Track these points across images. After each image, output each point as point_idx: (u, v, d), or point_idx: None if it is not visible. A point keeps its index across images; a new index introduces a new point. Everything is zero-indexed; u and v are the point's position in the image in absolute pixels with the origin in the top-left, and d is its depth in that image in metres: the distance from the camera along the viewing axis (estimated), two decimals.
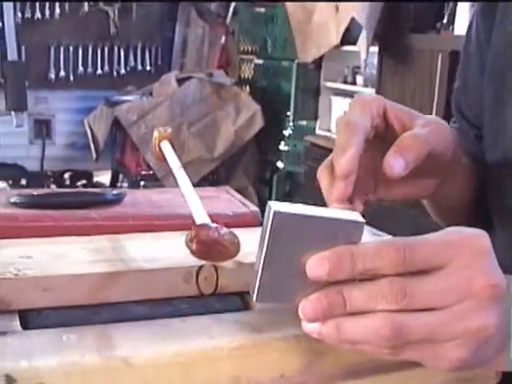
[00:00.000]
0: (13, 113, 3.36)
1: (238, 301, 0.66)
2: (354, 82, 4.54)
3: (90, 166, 5.68)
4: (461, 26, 3.31)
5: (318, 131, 4.71)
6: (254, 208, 1.10)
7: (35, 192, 1.11)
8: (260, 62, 5.43)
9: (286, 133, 5.00)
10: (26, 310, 0.61)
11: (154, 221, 0.98)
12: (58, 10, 5.64)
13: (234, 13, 5.72)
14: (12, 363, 0.50)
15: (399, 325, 0.53)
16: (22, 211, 0.98)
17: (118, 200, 1.12)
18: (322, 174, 0.68)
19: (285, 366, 0.58)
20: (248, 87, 5.50)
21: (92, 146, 5.29)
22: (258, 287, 0.56)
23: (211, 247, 0.66)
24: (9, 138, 4.86)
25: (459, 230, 0.56)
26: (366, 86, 4.38)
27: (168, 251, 0.72)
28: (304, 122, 4.90)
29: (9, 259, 0.66)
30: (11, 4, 3.43)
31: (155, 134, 0.88)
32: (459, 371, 0.57)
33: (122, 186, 5.40)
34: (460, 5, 3.31)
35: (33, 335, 0.56)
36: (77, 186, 5.68)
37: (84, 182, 5.81)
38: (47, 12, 5.63)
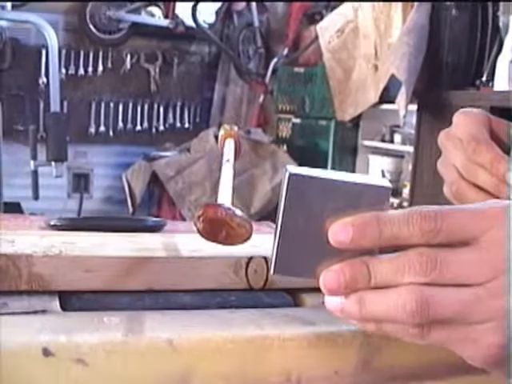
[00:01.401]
0: (53, 164, 3.40)
1: (288, 298, 0.63)
2: (391, 141, 4.53)
3: None
4: (500, 82, 3.29)
5: None
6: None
7: (74, 216, 1.10)
8: (298, 120, 5.45)
9: None
10: (66, 292, 0.58)
11: None
12: (100, 67, 5.76)
13: (273, 72, 5.78)
14: (50, 337, 0.47)
15: (427, 299, 0.48)
16: (62, 234, 0.97)
17: (157, 227, 1.11)
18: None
19: (339, 362, 0.54)
20: (285, 146, 5.51)
21: (129, 200, 5.32)
22: (276, 257, 0.53)
23: (218, 227, 0.61)
24: (48, 190, 4.90)
25: (498, 202, 0.52)
26: (404, 144, 4.36)
27: (216, 247, 0.69)
28: None
29: (52, 243, 0.64)
30: (56, 60, 3.51)
31: (221, 131, 0.86)
32: (494, 364, 0.50)
33: None
34: (499, 60, 3.30)
35: (73, 315, 0.54)
36: None
37: None
38: (90, 69, 5.75)
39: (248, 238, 0.61)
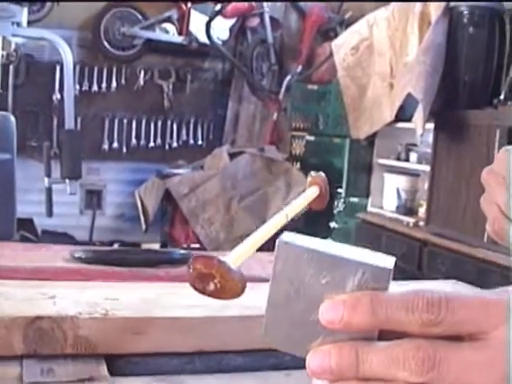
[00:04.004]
0: (67, 181, 3.38)
1: None
2: (407, 159, 4.49)
3: (137, 238, 5.68)
4: None
5: (369, 208, 4.64)
6: None
7: (99, 248, 1.07)
8: (312, 138, 5.42)
9: (338, 209, 4.94)
10: (113, 356, 0.54)
11: None
12: (114, 84, 5.76)
13: (287, 89, 5.76)
14: None
15: None
16: (87, 266, 0.94)
17: (184, 259, 1.08)
18: None
19: None
20: (299, 163, 5.48)
21: (142, 217, 5.30)
22: (265, 327, 0.49)
23: (204, 279, 0.57)
24: (61, 206, 4.90)
25: None
26: (420, 163, 4.32)
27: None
28: (356, 199, 4.84)
29: (94, 299, 0.60)
30: (71, 76, 3.50)
31: (308, 177, 0.81)
32: None
33: None
34: None
35: (123, 382, 0.50)
36: None
37: None
38: (104, 85, 5.75)
39: (239, 293, 0.55)
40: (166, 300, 0.64)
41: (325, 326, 0.47)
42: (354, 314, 0.45)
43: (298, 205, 0.70)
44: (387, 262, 0.48)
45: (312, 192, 0.76)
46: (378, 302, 0.45)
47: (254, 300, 0.62)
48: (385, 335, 0.46)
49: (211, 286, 0.55)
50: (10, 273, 0.93)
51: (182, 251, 1.13)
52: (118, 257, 1.03)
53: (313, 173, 0.79)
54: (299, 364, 0.54)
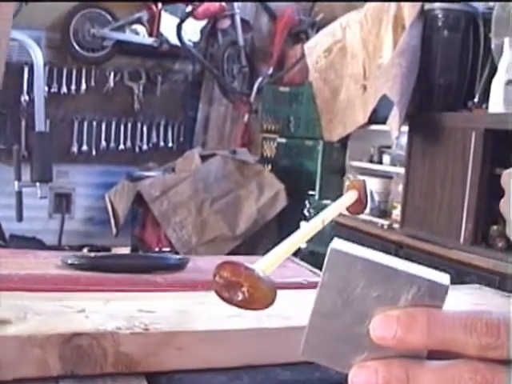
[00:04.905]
0: (38, 184, 3.32)
1: None
2: (380, 162, 4.49)
3: (108, 242, 5.61)
4: (495, 105, 3.26)
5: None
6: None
7: (92, 254, 1.04)
8: (283, 140, 5.40)
9: (310, 212, 4.92)
10: (155, 373, 0.51)
11: None
12: (83, 85, 5.69)
13: (258, 91, 5.74)
14: None
15: None
16: (81, 273, 0.91)
17: (181, 265, 1.05)
18: None
19: None
20: (270, 166, 5.46)
21: (112, 221, 5.23)
22: (306, 338, 0.47)
23: (231, 288, 0.54)
24: (29, 210, 4.83)
25: None
26: (393, 165, 4.32)
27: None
28: (328, 202, 4.83)
29: (129, 313, 0.56)
30: (42, 78, 3.44)
31: (347, 181, 0.79)
32: None
33: None
34: (494, 83, 3.27)
35: None
36: None
37: None
38: (73, 87, 5.67)
39: (269, 303, 0.52)
40: (201, 311, 0.61)
41: (371, 342, 0.44)
42: (408, 331, 0.43)
43: (335, 209, 0.68)
44: (443, 278, 0.45)
45: (350, 196, 0.73)
46: (434, 321, 0.43)
47: (293, 309, 0.59)
48: (433, 354, 0.44)
49: (239, 296, 0.52)
50: (6, 281, 0.89)
51: (178, 256, 1.10)
52: (113, 263, 1.00)
53: (351, 177, 0.77)
54: (344, 379, 0.51)
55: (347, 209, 0.74)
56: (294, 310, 0.57)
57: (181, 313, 0.59)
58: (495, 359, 0.42)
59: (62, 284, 0.87)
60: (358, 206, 0.75)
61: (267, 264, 0.54)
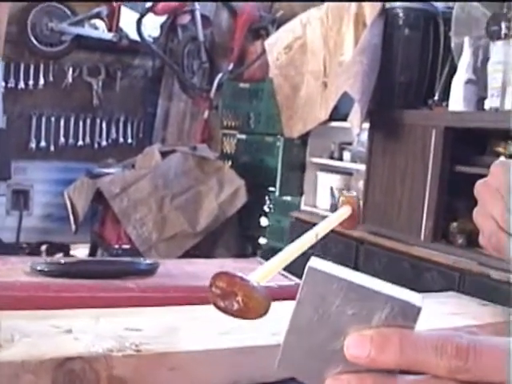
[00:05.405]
0: None
1: None
2: (340, 158, 4.52)
3: (66, 239, 5.56)
4: (455, 103, 3.30)
5: (303, 207, 4.66)
6: (298, 280, 1.01)
7: (62, 260, 1.03)
8: (243, 136, 5.40)
9: (270, 208, 4.94)
10: None
11: (197, 293, 0.90)
12: (41, 81, 5.61)
13: (218, 87, 5.73)
14: None
15: None
16: (51, 280, 0.90)
17: (152, 270, 1.05)
18: None
19: None
20: (230, 162, 5.45)
21: (71, 218, 5.17)
22: (281, 353, 0.48)
23: (227, 298, 0.55)
24: None
25: None
26: (353, 161, 4.35)
27: None
28: (289, 198, 4.85)
29: (115, 331, 0.56)
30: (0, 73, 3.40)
31: (341, 197, 0.79)
32: None
33: None
34: (454, 81, 3.31)
35: None
36: None
37: (61, 254, 5.66)
38: (31, 82, 5.59)
39: (263, 313, 0.54)
40: (190, 327, 0.60)
41: (345, 357, 0.45)
42: (381, 352, 0.44)
43: (328, 224, 0.68)
44: (417, 299, 0.46)
45: (344, 211, 0.74)
46: (407, 342, 0.44)
47: (279, 324, 0.59)
48: (405, 373, 0.45)
49: (234, 305, 0.53)
50: None
51: (148, 261, 1.09)
52: (83, 269, 0.99)
53: (345, 192, 0.77)
54: None
55: (340, 224, 0.75)
56: (280, 324, 0.58)
57: (169, 330, 0.59)
58: (464, 381, 0.43)
59: (32, 291, 0.87)
60: (352, 221, 0.76)
61: (261, 275, 0.55)
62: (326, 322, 0.46)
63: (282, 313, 0.63)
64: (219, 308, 0.52)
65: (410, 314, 0.45)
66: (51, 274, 0.93)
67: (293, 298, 0.98)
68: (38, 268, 0.95)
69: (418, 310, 0.45)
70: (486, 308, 0.79)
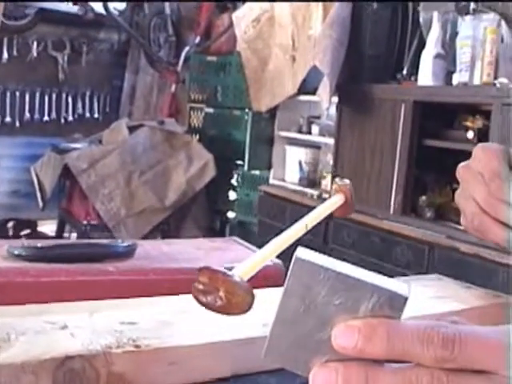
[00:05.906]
0: None
1: None
2: (309, 132, 4.53)
3: (33, 215, 5.50)
4: (424, 77, 3.32)
5: (271, 181, 4.67)
6: (276, 260, 1.01)
7: (39, 243, 1.02)
8: (210, 110, 5.37)
9: (238, 182, 4.94)
10: None
11: (176, 275, 0.90)
12: (5, 55, 5.52)
13: (185, 60, 5.68)
14: None
15: None
16: (29, 265, 0.90)
17: (130, 252, 1.04)
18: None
19: None
20: (198, 136, 5.43)
21: (38, 194, 5.12)
22: (268, 343, 0.48)
23: (210, 294, 0.55)
24: None
25: None
26: (322, 135, 4.36)
27: None
28: (257, 172, 4.85)
29: (110, 327, 0.55)
30: None
31: (334, 185, 0.78)
32: None
33: (69, 236, 5.22)
34: (423, 56, 3.33)
35: None
36: (20, 236, 5.48)
37: (28, 231, 5.61)
38: None
39: (246, 308, 0.53)
40: (186, 320, 0.60)
41: (332, 347, 0.46)
42: (368, 342, 0.44)
43: (320, 213, 0.68)
44: (403, 289, 0.46)
45: (336, 200, 0.74)
46: (394, 333, 0.44)
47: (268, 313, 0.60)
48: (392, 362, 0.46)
49: (217, 301, 0.52)
50: None
51: (126, 243, 1.09)
52: (61, 252, 0.99)
53: (338, 180, 0.76)
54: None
55: (333, 212, 0.75)
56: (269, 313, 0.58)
57: (165, 324, 0.59)
58: (451, 369, 0.44)
59: (11, 276, 0.86)
60: (345, 209, 0.76)
61: (245, 270, 0.55)
62: (313, 312, 0.46)
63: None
64: (202, 303, 0.52)
65: (397, 303, 0.46)
66: (29, 259, 0.92)
67: (271, 279, 0.98)
68: (16, 252, 0.95)
69: (405, 299, 0.46)
70: (470, 291, 0.80)
